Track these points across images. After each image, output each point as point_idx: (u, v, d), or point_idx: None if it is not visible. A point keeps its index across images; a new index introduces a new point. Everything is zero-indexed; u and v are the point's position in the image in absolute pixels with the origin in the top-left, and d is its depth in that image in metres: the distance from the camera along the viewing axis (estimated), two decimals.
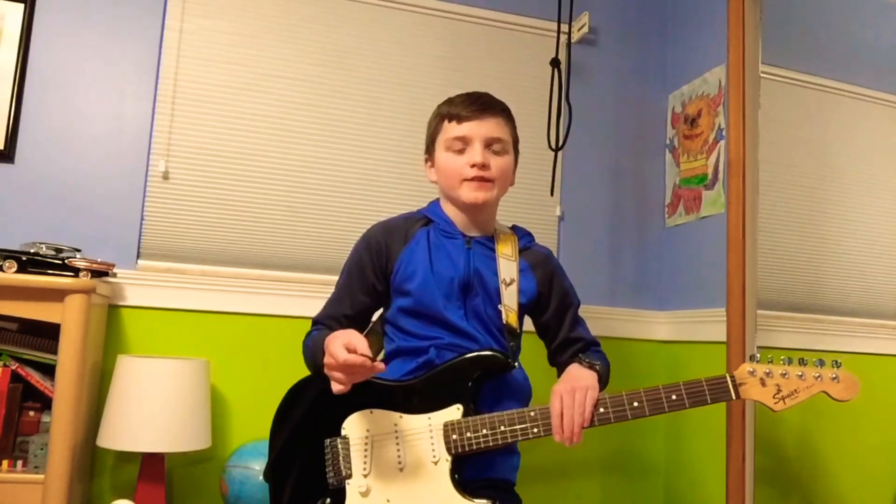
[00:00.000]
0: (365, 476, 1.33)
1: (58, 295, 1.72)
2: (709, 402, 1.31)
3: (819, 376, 1.28)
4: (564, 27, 2.42)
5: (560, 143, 2.32)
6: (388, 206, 2.23)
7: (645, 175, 2.55)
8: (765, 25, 2.05)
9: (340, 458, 1.35)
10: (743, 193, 2.00)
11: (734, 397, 1.31)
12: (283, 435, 1.42)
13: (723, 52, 2.15)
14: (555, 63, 2.35)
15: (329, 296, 1.56)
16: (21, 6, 2.07)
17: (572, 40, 2.46)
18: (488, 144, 1.48)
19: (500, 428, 1.33)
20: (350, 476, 1.34)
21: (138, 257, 2.11)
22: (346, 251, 1.57)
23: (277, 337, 2.15)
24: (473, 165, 1.46)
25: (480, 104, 1.49)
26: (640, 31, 2.62)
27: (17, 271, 1.72)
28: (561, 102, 2.34)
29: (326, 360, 1.28)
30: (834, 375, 1.28)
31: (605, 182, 2.52)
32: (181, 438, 1.82)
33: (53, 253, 1.79)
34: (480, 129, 1.47)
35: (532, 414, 1.34)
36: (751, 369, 1.31)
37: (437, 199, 1.60)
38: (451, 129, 1.49)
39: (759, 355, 1.34)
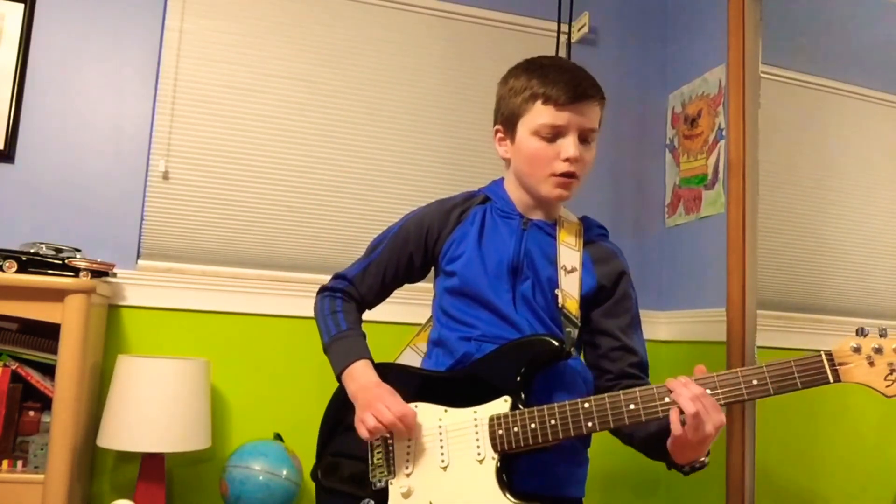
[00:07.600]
0: (408, 475, 1.24)
1: (58, 295, 1.72)
2: (799, 387, 1.09)
3: None
4: (564, 27, 2.42)
5: None
6: (388, 206, 2.23)
7: (645, 175, 2.55)
8: (765, 25, 2.05)
9: (383, 457, 1.26)
10: (743, 193, 2.00)
11: (832, 381, 1.08)
12: (328, 433, 1.37)
13: (723, 52, 2.15)
14: None
15: (361, 258, 1.48)
16: (21, 6, 2.07)
17: (572, 40, 2.46)
18: (582, 136, 1.32)
19: (549, 422, 1.18)
20: (393, 475, 1.25)
21: (138, 257, 2.11)
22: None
23: (277, 337, 2.15)
24: (566, 160, 1.30)
25: (583, 89, 1.30)
26: (640, 31, 2.61)
27: (17, 271, 1.72)
28: None
29: (375, 416, 1.23)
30: None
31: (605, 182, 2.52)
32: (181, 438, 1.82)
33: (53, 253, 1.79)
34: (579, 119, 1.30)
35: (587, 406, 1.18)
36: (855, 345, 1.07)
37: (500, 180, 1.47)
38: (545, 114, 1.30)
39: (868, 328, 1.08)
